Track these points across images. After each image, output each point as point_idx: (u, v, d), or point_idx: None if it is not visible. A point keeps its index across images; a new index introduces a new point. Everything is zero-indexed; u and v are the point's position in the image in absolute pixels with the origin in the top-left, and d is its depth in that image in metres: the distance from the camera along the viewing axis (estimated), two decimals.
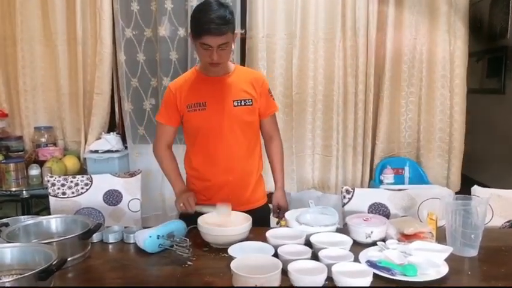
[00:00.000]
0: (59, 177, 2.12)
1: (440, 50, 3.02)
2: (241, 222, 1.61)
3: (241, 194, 1.86)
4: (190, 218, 1.71)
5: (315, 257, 1.37)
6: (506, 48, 3.07)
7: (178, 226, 1.62)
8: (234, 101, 1.80)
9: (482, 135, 3.19)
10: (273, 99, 1.95)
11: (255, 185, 1.91)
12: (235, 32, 1.74)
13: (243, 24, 3.11)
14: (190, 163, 1.92)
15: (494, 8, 3.26)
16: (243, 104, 1.81)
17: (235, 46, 1.80)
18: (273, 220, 2.01)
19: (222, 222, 1.63)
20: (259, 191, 1.95)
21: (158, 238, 1.51)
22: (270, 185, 2.05)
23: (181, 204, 1.77)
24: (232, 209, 1.72)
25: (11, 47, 3.19)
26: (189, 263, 1.44)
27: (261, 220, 1.81)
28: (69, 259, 1.37)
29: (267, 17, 3.03)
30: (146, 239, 1.50)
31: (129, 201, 2.12)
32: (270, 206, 2.01)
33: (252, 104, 1.83)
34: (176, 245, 1.48)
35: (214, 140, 1.81)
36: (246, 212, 1.75)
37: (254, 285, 1.17)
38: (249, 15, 3.05)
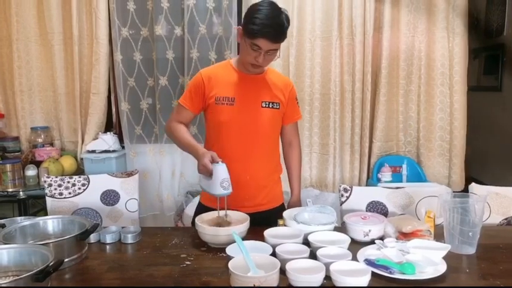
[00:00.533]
0: (56, 177, 2.11)
1: (439, 47, 3.02)
2: (239, 222, 1.60)
3: (256, 194, 1.84)
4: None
5: (313, 256, 1.37)
6: (503, 46, 3.08)
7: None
8: (262, 102, 1.80)
9: (479, 133, 3.19)
10: (299, 107, 1.96)
11: (271, 187, 1.89)
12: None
13: (240, 22, 3.09)
14: None
15: (491, 5, 3.27)
16: (270, 106, 1.81)
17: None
18: None
19: (220, 222, 1.63)
20: (276, 192, 1.93)
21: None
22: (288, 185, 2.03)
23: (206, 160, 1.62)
24: (248, 210, 1.71)
25: (7, 47, 3.17)
26: (187, 262, 1.43)
27: (276, 220, 1.78)
28: (66, 260, 1.37)
29: None
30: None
31: (126, 202, 2.11)
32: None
33: (279, 108, 1.83)
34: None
35: (236, 136, 1.79)
36: (262, 212, 1.76)
37: (252, 285, 1.16)
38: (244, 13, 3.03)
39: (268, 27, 1.60)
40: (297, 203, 1.95)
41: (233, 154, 1.78)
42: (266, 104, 1.80)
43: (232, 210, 1.69)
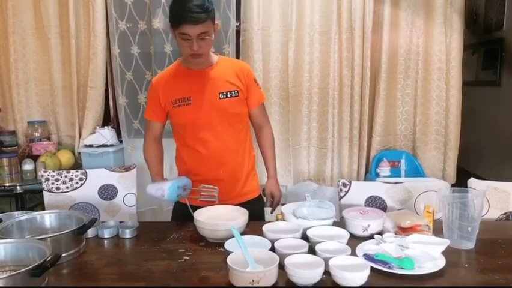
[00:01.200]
0: (54, 172, 2.10)
1: (437, 42, 3.01)
2: (238, 217, 1.60)
3: (233, 187, 1.84)
4: (183, 212, 1.70)
5: (312, 250, 1.37)
6: (502, 41, 3.07)
7: (186, 181, 1.75)
8: (219, 93, 1.77)
9: (477, 128, 3.19)
10: (260, 88, 1.92)
11: (246, 178, 1.89)
12: (216, 22, 1.70)
13: (238, 17, 3.08)
14: (180, 159, 1.90)
15: (490, 0, 3.25)
16: (229, 95, 1.78)
17: (217, 36, 1.73)
18: (268, 212, 2.00)
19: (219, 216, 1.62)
20: (252, 184, 1.93)
21: (178, 188, 1.62)
22: (264, 178, 2.03)
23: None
24: (225, 203, 1.72)
25: (3, 40, 3.15)
26: (185, 257, 1.43)
27: (255, 212, 1.80)
28: (63, 255, 1.36)
29: (262, 9, 3.01)
30: (169, 187, 1.61)
31: (124, 196, 2.11)
32: (264, 198, 2.00)
33: (238, 95, 1.80)
34: (202, 190, 1.60)
35: (202, 134, 1.79)
36: (239, 204, 1.75)
37: (251, 280, 1.16)
38: (243, 7, 3.02)
39: (186, 12, 1.58)
40: (273, 184, 1.96)
41: (203, 152, 1.79)
42: (224, 95, 1.78)
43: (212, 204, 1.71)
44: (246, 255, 1.27)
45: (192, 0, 1.59)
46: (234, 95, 1.79)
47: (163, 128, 1.93)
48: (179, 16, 1.60)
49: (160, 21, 3.07)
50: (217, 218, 1.60)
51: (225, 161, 1.81)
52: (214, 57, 1.84)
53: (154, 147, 1.93)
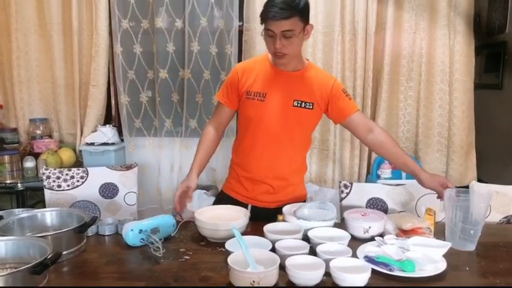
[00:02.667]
0: (55, 169, 2.10)
1: (440, 45, 3.00)
2: (239, 217, 1.60)
3: (280, 192, 1.81)
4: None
5: (312, 252, 1.37)
6: (505, 44, 3.07)
7: (166, 221, 1.58)
8: (294, 100, 1.73)
9: (480, 131, 3.18)
10: (350, 99, 1.80)
11: (295, 187, 1.86)
12: (310, 23, 1.65)
13: (241, 16, 3.08)
14: (236, 149, 1.87)
15: (493, 2, 3.25)
16: (302, 105, 1.73)
17: (307, 38, 1.64)
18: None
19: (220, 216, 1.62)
20: (298, 191, 1.89)
21: (140, 232, 1.49)
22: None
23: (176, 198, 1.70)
24: (268, 206, 1.76)
25: (5, 37, 3.15)
26: (186, 257, 1.43)
27: None
28: (64, 253, 1.36)
29: None
30: (128, 231, 1.49)
31: (125, 195, 2.11)
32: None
33: (312, 108, 1.75)
34: (150, 244, 1.46)
35: (264, 134, 1.75)
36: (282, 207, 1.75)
37: (251, 281, 1.16)
38: (246, 6, 3.02)
39: (271, 7, 1.55)
40: (434, 175, 1.70)
41: (259, 151, 1.77)
42: (298, 104, 1.73)
43: (252, 204, 1.72)
44: (247, 255, 1.27)
45: None
46: (307, 106, 1.74)
47: (230, 119, 1.86)
48: (265, 11, 1.58)
49: (163, 21, 3.07)
50: (218, 218, 1.60)
51: (277, 166, 1.78)
52: (304, 63, 1.78)
53: (212, 133, 1.84)
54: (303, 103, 1.74)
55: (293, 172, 1.83)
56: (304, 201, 1.90)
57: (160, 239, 1.48)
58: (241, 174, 1.83)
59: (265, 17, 1.58)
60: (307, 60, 1.83)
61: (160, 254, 1.43)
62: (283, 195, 1.80)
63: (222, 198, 1.87)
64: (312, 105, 1.75)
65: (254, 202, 1.79)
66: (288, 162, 1.80)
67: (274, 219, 1.63)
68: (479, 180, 1.95)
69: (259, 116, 1.74)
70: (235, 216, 1.61)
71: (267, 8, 1.58)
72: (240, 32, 3.09)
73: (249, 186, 1.81)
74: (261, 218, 1.64)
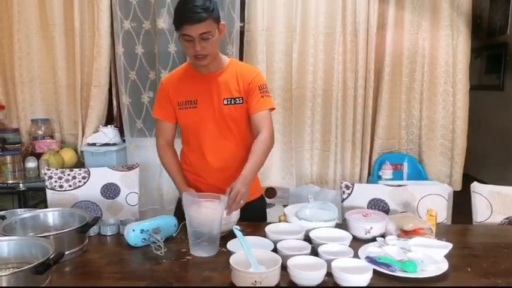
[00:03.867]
0: (57, 170, 2.10)
1: (443, 45, 2.99)
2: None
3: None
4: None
5: (314, 252, 1.37)
6: (506, 45, 3.07)
7: (167, 222, 1.60)
8: (224, 99, 1.75)
9: (481, 132, 3.19)
10: (266, 96, 1.78)
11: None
12: (222, 22, 1.68)
13: (242, 17, 3.08)
14: (184, 158, 1.90)
15: (495, 4, 3.25)
16: (232, 102, 1.76)
17: (222, 37, 1.68)
18: (270, 213, 1.98)
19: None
20: (253, 186, 1.83)
21: (141, 232, 1.50)
22: (269, 180, 1.98)
23: None
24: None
25: (8, 38, 3.15)
26: (188, 257, 1.43)
27: (256, 213, 1.81)
28: (66, 253, 1.36)
29: (266, 10, 3.01)
30: (130, 232, 1.50)
31: (127, 195, 2.11)
32: (267, 199, 1.97)
33: (242, 103, 1.77)
34: (152, 243, 1.47)
35: (205, 138, 1.78)
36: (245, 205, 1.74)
37: (253, 281, 1.16)
38: (248, 8, 3.03)
39: (185, 12, 1.57)
40: (239, 181, 1.61)
41: (205, 155, 1.78)
42: (228, 101, 1.75)
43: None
44: (249, 255, 1.27)
45: (192, 1, 1.58)
46: (238, 102, 1.76)
47: (174, 132, 1.89)
48: (180, 17, 1.60)
49: (165, 21, 3.08)
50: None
51: (226, 165, 1.79)
52: (225, 61, 1.80)
53: (169, 154, 1.87)
54: (233, 99, 1.76)
55: (240, 165, 1.73)
56: (262, 195, 1.94)
57: (161, 239, 1.49)
58: (194, 180, 1.83)
59: (180, 22, 1.60)
60: (229, 57, 1.85)
61: (161, 253, 1.43)
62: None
63: (180, 208, 1.73)
64: (242, 100, 1.77)
65: None
66: (236, 158, 1.79)
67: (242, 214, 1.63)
68: (480, 181, 1.95)
69: (195, 122, 1.77)
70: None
71: (180, 13, 1.60)
72: (242, 33, 3.09)
73: (205, 189, 1.79)
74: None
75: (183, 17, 1.58)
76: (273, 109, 1.81)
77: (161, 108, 1.84)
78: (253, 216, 1.75)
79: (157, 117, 1.86)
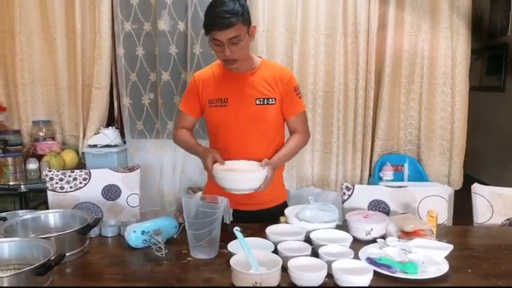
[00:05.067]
0: (58, 171, 2.11)
1: (442, 47, 3.00)
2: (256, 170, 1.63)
3: (258, 193, 1.70)
4: None
5: (315, 253, 1.37)
6: (507, 46, 3.07)
7: (168, 223, 1.60)
8: (256, 99, 1.74)
9: (481, 133, 3.19)
10: (300, 97, 1.82)
11: (273, 185, 1.77)
12: (253, 24, 1.67)
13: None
14: None
15: (495, 5, 3.25)
16: (265, 102, 1.74)
17: (253, 39, 1.68)
18: None
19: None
20: (278, 190, 1.88)
21: (142, 234, 1.50)
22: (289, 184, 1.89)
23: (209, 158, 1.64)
24: (249, 208, 1.74)
25: (9, 40, 3.17)
26: (188, 258, 1.43)
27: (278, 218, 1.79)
28: (67, 254, 1.37)
29: (267, 11, 3.01)
30: (131, 233, 1.50)
31: (128, 196, 2.11)
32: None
33: (275, 103, 1.76)
34: (153, 245, 1.48)
35: (234, 137, 1.76)
36: (264, 210, 1.76)
37: (254, 282, 1.16)
38: (248, 8, 3.02)
39: (213, 17, 1.56)
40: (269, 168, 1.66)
41: (233, 155, 1.75)
42: (260, 101, 1.74)
43: (234, 208, 1.66)
44: (249, 257, 1.27)
45: (221, 5, 1.56)
46: (270, 102, 1.75)
47: (194, 125, 1.91)
48: (209, 22, 1.59)
49: (166, 23, 3.09)
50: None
51: None
52: (257, 61, 1.79)
53: (188, 133, 1.87)
54: (266, 100, 1.75)
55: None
56: (285, 202, 1.91)
57: (162, 240, 1.49)
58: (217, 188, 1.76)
59: (209, 27, 1.59)
60: (261, 57, 1.84)
61: (162, 254, 1.44)
62: (263, 195, 1.72)
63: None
64: (275, 100, 1.76)
65: (235, 206, 1.71)
66: (259, 158, 1.74)
67: (257, 220, 1.63)
68: (481, 182, 1.95)
69: (225, 121, 1.76)
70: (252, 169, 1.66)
71: (209, 18, 1.59)
72: None
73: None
74: (244, 222, 1.63)
75: (212, 22, 1.57)
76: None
77: (188, 103, 1.85)
78: (277, 218, 1.73)
79: (183, 110, 1.86)
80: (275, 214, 1.71)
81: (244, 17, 1.61)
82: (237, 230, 1.39)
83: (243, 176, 1.62)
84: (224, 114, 1.76)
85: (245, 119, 1.74)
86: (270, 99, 1.76)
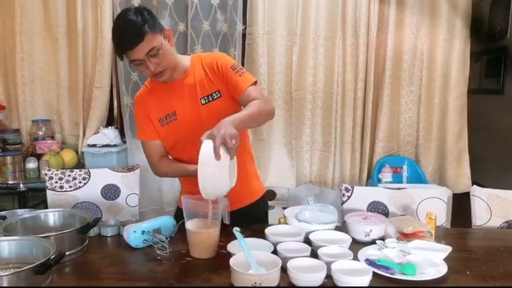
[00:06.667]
0: (57, 170, 2.11)
1: (441, 50, 3.02)
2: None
3: (236, 193, 1.54)
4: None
5: (314, 254, 1.37)
6: (506, 49, 3.08)
7: (167, 222, 1.60)
8: (201, 99, 1.62)
9: (480, 136, 3.19)
10: (242, 73, 1.61)
11: (246, 180, 1.72)
12: (167, 28, 1.56)
13: (244, 20, 3.10)
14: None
15: (495, 8, 3.26)
16: (210, 99, 1.62)
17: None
18: (270, 215, 1.97)
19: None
20: (254, 184, 1.82)
21: (143, 233, 1.50)
22: (269, 180, 1.92)
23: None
24: (230, 208, 1.58)
25: (9, 38, 3.17)
26: (188, 258, 1.43)
27: (258, 214, 1.80)
28: (67, 253, 1.37)
29: (267, 13, 3.02)
30: (131, 233, 1.50)
31: (127, 196, 2.11)
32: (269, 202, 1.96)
33: (220, 96, 1.62)
34: (155, 244, 1.48)
35: (191, 147, 1.53)
36: (244, 208, 1.74)
37: (253, 283, 1.16)
38: (249, 11, 3.04)
39: (120, 39, 1.48)
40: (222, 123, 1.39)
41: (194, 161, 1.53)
42: (205, 100, 1.62)
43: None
44: (249, 257, 1.27)
45: (124, 24, 1.47)
46: (215, 96, 1.62)
47: (164, 148, 1.72)
48: (118, 45, 1.51)
49: (166, 23, 3.09)
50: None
51: None
52: (187, 60, 1.67)
53: (169, 160, 1.72)
54: (210, 96, 1.62)
55: (242, 165, 1.61)
56: (263, 196, 1.85)
57: (166, 239, 1.50)
58: (193, 189, 1.60)
59: (121, 50, 1.50)
60: (190, 54, 1.71)
61: (166, 253, 1.44)
62: (239, 192, 1.59)
63: (182, 216, 1.60)
64: (220, 93, 1.62)
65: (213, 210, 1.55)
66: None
67: (239, 223, 1.50)
68: (480, 184, 1.96)
69: (180, 134, 1.65)
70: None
71: (116, 41, 1.51)
72: (243, 36, 3.11)
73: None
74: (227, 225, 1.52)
75: (121, 43, 1.48)
76: (255, 82, 1.63)
77: (145, 128, 1.70)
78: (255, 218, 1.74)
79: (144, 139, 1.71)
80: (256, 209, 1.69)
81: (152, 25, 1.48)
82: (236, 230, 1.39)
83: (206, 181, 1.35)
84: (177, 128, 1.64)
85: (198, 124, 1.58)
86: (214, 94, 1.62)
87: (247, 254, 1.28)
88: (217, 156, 1.31)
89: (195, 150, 1.38)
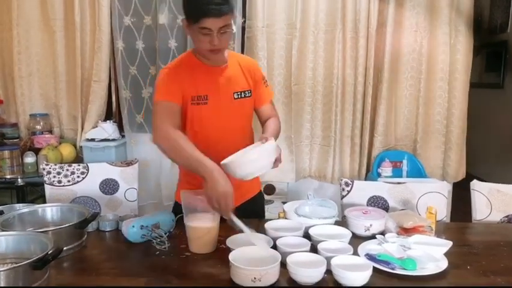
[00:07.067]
0: (55, 165, 2.10)
1: (441, 43, 3.00)
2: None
3: (237, 185, 1.56)
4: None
5: (314, 249, 1.36)
6: (506, 43, 3.06)
7: (165, 217, 1.60)
8: (234, 93, 1.68)
9: (480, 130, 3.19)
10: (267, 85, 1.80)
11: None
12: (235, 14, 1.64)
13: (243, 13, 3.07)
14: None
15: (495, 2, 3.24)
16: (242, 95, 1.70)
17: (236, 31, 1.65)
18: (269, 210, 1.97)
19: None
20: (252, 182, 1.76)
21: (141, 228, 1.50)
22: (268, 174, 1.92)
23: (216, 206, 1.41)
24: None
25: (6, 32, 3.14)
26: (187, 253, 1.43)
27: (255, 209, 1.81)
28: (64, 248, 1.35)
29: (267, 6, 3.00)
30: (130, 228, 1.50)
31: (126, 191, 2.10)
32: (266, 196, 1.96)
33: (250, 96, 1.72)
34: (154, 238, 1.48)
35: (214, 133, 1.67)
36: (244, 203, 1.73)
37: (253, 278, 1.16)
38: (249, 4, 3.02)
39: (206, 4, 1.46)
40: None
41: (210, 148, 1.58)
42: (238, 95, 1.69)
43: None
44: (244, 229, 1.34)
45: None
46: (247, 95, 1.71)
47: (180, 117, 1.65)
48: (199, 9, 1.48)
49: (165, 17, 3.07)
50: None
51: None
52: (226, 53, 1.72)
53: (180, 134, 1.56)
54: (242, 93, 1.70)
55: None
56: (260, 191, 1.90)
57: (166, 234, 1.50)
58: (193, 181, 1.66)
59: (199, 15, 1.47)
60: (227, 49, 1.73)
61: (165, 248, 1.44)
62: (241, 190, 1.66)
63: (179, 211, 1.62)
64: (250, 92, 1.72)
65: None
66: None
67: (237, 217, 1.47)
68: (480, 179, 1.95)
69: (206, 119, 1.66)
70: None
71: (199, 6, 1.48)
72: (242, 29, 3.09)
73: (203, 186, 1.56)
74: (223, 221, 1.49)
75: (205, 9, 1.46)
76: None
77: (169, 90, 1.61)
78: (252, 213, 1.74)
79: (166, 99, 1.60)
80: (253, 204, 1.71)
81: (233, 5, 1.56)
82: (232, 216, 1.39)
83: (263, 150, 1.49)
84: (205, 112, 1.65)
85: (225, 115, 1.67)
86: (247, 92, 1.71)
87: (244, 229, 1.35)
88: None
89: (213, 134, 1.64)
